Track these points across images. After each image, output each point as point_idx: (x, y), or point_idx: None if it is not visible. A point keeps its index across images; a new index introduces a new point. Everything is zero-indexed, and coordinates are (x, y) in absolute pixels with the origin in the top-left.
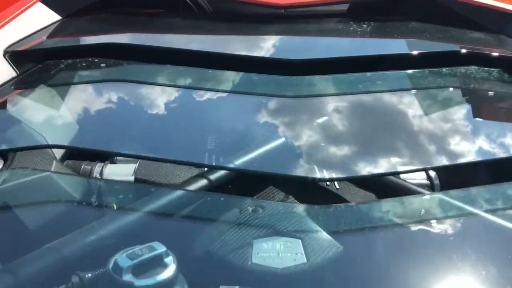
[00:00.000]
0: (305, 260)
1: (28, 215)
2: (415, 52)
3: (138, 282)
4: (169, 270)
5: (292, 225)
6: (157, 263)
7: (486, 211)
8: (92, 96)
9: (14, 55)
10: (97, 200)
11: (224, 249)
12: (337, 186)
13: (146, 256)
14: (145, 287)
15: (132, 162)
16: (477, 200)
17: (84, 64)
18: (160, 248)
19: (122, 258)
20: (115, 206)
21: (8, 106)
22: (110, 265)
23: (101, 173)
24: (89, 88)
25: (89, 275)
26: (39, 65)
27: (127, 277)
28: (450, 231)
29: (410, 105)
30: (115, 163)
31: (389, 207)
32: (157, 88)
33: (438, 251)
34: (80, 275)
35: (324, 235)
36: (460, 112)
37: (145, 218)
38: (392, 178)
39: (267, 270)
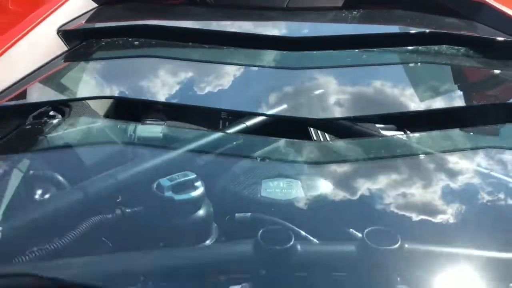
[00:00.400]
0: (303, 195)
1: (87, 152)
2: (397, 33)
3: (176, 197)
4: (199, 191)
5: (293, 167)
6: (190, 185)
7: (442, 151)
8: (127, 67)
9: (65, 34)
10: (139, 141)
11: (239, 185)
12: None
13: (181, 179)
14: (182, 200)
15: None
16: (435, 142)
17: (120, 42)
18: (192, 175)
19: (163, 180)
20: (154, 145)
21: (62, 74)
22: (155, 186)
23: (134, 130)
24: (125, 61)
25: (138, 194)
26: (83, 43)
27: (168, 194)
28: (421, 165)
29: (390, 75)
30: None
31: (367, 144)
32: (180, 62)
33: (415, 182)
34: (131, 194)
35: (320, 177)
36: (432, 80)
37: (178, 155)
38: (374, 132)
39: (272, 201)
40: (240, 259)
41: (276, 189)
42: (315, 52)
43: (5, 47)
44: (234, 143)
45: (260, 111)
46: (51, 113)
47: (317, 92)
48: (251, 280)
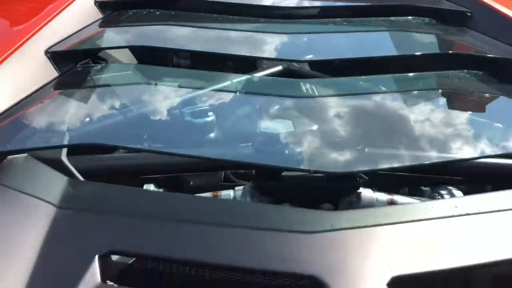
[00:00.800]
0: (293, 129)
1: (123, 88)
2: (370, 6)
3: (194, 120)
4: (211, 118)
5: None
6: (205, 113)
7: (404, 91)
8: (151, 31)
9: (101, 4)
10: (165, 81)
11: (242, 124)
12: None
13: (197, 109)
14: (199, 123)
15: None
16: (401, 83)
17: (144, 12)
18: (206, 107)
19: (185, 109)
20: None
21: (100, 35)
22: (178, 113)
23: (161, 74)
24: (149, 26)
25: (165, 118)
26: (115, 12)
27: (188, 118)
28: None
29: (364, 39)
30: None
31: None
32: (196, 30)
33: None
34: (160, 119)
35: (308, 111)
36: (398, 43)
37: (196, 93)
38: None
39: (270, 135)
40: (243, 157)
41: (272, 125)
42: (303, 20)
43: (53, 14)
44: (239, 84)
45: (260, 56)
46: (91, 64)
47: (306, 50)
48: (249, 171)
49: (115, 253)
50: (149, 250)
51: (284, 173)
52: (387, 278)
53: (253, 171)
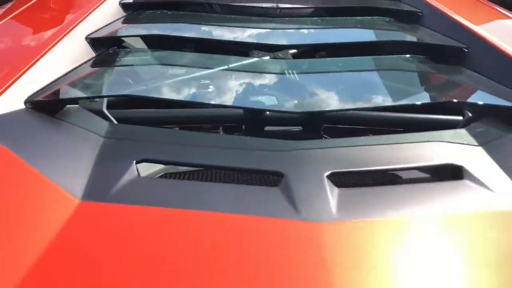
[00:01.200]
0: (272, 90)
1: (145, 66)
2: (341, 7)
3: (201, 84)
4: (212, 88)
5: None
6: (207, 85)
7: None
8: (164, 26)
9: (124, 5)
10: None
11: (235, 89)
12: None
13: (203, 82)
14: (202, 92)
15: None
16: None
17: (159, 12)
18: (208, 81)
19: (194, 82)
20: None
21: (125, 28)
22: (188, 80)
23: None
24: (162, 23)
25: (178, 85)
26: (135, 12)
27: (194, 90)
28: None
29: (334, 34)
30: None
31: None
32: (201, 25)
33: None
34: (173, 84)
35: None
36: (360, 37)
37: (200, 71)
38: None
39: (256, 93)
40: (237, 115)
41: (260, 99)
42: (287, 19)
43: (90, 11)
44: (236, 65)
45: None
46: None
47: (289, 40)
48: (237, 127)
49: (147, 161)
50: (168, 158)
51: (266, 128)
52: (328, 172)
53: (243, 127)
